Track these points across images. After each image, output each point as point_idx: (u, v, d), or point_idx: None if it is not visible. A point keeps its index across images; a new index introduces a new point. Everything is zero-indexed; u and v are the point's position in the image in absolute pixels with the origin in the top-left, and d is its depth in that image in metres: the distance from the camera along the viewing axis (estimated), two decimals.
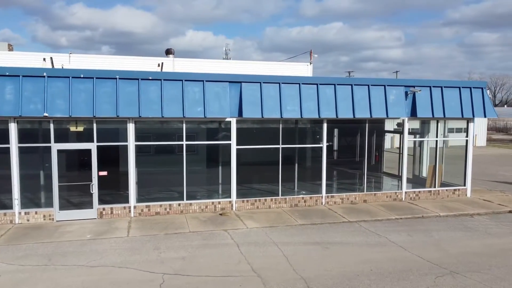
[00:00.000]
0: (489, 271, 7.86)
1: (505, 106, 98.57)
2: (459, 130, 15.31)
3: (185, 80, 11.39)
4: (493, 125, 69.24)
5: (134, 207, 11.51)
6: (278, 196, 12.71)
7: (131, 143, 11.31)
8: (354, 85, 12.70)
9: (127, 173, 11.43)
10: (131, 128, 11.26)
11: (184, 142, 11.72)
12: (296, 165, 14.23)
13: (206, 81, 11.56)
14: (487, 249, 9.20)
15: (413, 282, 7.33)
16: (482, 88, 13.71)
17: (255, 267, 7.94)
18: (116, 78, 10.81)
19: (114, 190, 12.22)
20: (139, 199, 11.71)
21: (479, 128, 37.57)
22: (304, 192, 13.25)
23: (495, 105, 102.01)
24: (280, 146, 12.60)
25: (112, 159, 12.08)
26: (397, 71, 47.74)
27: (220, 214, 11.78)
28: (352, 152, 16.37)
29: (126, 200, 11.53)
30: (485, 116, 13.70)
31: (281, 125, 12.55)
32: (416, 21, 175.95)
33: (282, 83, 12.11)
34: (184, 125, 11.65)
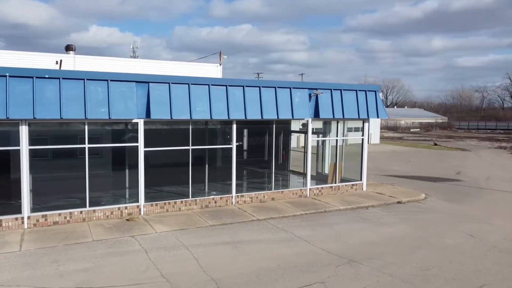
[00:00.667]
0: (381, 257, 8.73)
1: (395, 107, 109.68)
2: (356, 130, 16.66)
3: (88, 79, 10.70)
4: (386, 124, 76.61)
5: (28, 217, 10.49)
6: (189, 198, 12.61)
7: (24, 147, 10.29)
8: (262, 87, 13.12)
9: (19, 180, 10.38)
10: (24, 130, 10.24)
11: (87, 145, 11.01)
12: (207, 166, 14.26)
13: (111, 80, 10.99)
14: (380, 237, 10.21)
15: (316, 273, 7.84)
16: (375, 92, 15.13)
17: (164, 273, 7.80)
18: (6, 76, 9.75)
19: (4, 200, 11.03)
20: (34, 209, 10.71)
21: (374, 127, 41.31)
22: (214, 193, 13.33)
23: (387, 106, 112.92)
24: (190, 147, 12.51)
25: (1, 165, 10.88)
26: (302, 74, 50.38)
27: (127, 220, 11.31)
28: (261, 152, 16.91)
29: (18, 210, 10.45)
30: (378, 117, 15.15)
31: (190, 126, 12.47)
32: (319, 27, 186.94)
33: (192, 84, 12.04)
34: (86, 127, 10.94)
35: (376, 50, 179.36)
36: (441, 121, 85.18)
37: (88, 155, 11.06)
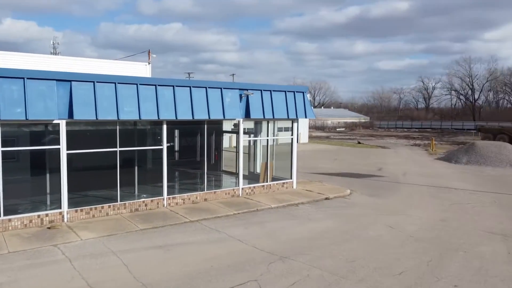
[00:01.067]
0: (311, 252, 9.09)
1: (322, 107, 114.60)
2: (286, 129, 17.13)
3: (0, 77, 9.80)
4: (314, 124, 79.70)
5: None
6: (117, 202, 12.09)
7: None
8: (193, 87, 12.98)
9: None
10: None
11: (0, 148, 10.07)
12: (136, 168, 13.77)
13: (28, 78, 10.16)
14: (309, 233, 10.62)
15: (249, 272, 7.94)
16: (303, 93, 15.69)
17: (91, 282, 7.40)
18: None
19: None
20: None
21: (303, 127, 42.79)
22: (145, 196, 12.92)
23: (315, 107, 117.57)
24: (118, 149, 11.99)
25: None
26: (233, 74, 50.77)
27: (49, 228, 10.55)
28: (193, 152, 16.72)
29: None
30: (306, 117, 15.73)
31: (118, 127, 11.95)
32: (250, 28, 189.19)
33: (119, 83, 11.54)
34: None
35: (304, 52, 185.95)
36: (364, 120, 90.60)
37: (2, 159, 10.13)
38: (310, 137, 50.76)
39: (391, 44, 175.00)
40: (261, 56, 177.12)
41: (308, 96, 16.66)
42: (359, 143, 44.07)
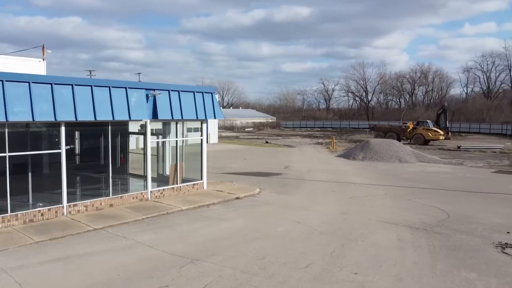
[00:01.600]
0: (223, 252, 9.14)
1: (231, 108, 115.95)
2: (196, 130, 16.97)
3: None
4: (223, 124, 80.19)
5: None
6: (7, 213, 10.84)
7: None
8: (95, 86, 12.18)
9: None
10: None
11: None
12: (30, 174, 12.50)
13: None
14: (220, 233, 10.68)
15: (160, 278, 7.72)
16: (212, 93, 15.70)
17: None
18: None
19: None
20: None
21: (212, 127, 42.84)
22: (41, 204, 11.78)
23: (224, 107, 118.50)
24: (7, 154, 10.75)
25: None
26: (139, 73, 48.72)
27: None
28: (96, 155, 15.67)
29: None
30: (215, 118, 15.77)
31: (7, 129, 10.72)
32: (155, 26, 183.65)
33: (7, 80, 10.35)
34: None
35: (212, 53, 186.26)
36: (271, 120, 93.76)
37: None
38: (220, 137, 51.02)
39: (294, 48, 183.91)
40: (168, 55, 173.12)
41: (217, 96, 16.73)
42: (267, 142, 45.51)
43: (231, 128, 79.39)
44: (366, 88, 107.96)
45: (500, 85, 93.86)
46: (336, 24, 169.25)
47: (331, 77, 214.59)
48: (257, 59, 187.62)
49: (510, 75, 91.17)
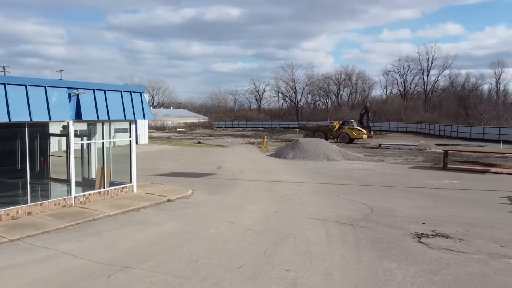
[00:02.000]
0: (154, 258, 8.85)
1: (162, 107, 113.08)
2: (125, 131, 16.27)
3: None
4: (154, 124, 77.98)
5: None
6: None
7: None
8: (8, 84, 11.13)
9: None
10: None
11: None
12: None
13: None
14: (151, 238, 10.33)
15: None
16: (140, 93, 15.14)
17: None
18: None
19: None
20: None
21: (142, 127, 41.43)
22: None
23: (154, 107, 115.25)
24: None
25: None
26: (61, 70, 45.47)
27: None
28: (11, 160, 14.34)
29: None
30: (144, 118, 15.23)
31: None
32: (79, 21, 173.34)
33: None
34: None
35: (140, 50, 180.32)
36: (203, 120, 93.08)
37: None
38: (151, 138, 49.51)
39: (225, 48, 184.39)
40: (94, 52, 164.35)
41: (146, 96, 16.18)
42: (199, 142, 45.06)
43: (162, 128, 77.44)
44: (295, 89, 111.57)
45: (415, 87, 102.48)
46: (266, 26, 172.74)
47: (261, 77, 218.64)
48: (188, 58, 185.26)
49: (423, 78, 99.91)
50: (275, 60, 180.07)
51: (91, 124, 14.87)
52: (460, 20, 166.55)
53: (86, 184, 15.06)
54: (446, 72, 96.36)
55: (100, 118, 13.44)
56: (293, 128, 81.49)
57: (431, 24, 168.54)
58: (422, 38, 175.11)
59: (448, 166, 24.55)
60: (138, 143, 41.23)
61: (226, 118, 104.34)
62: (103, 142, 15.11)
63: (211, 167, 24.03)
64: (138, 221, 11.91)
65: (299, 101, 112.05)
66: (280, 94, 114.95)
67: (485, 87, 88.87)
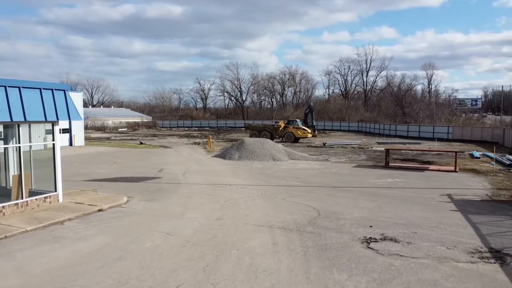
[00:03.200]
0: (75, 282, 7.59)
1: (102, 106, 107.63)
2: (49, 132, 14.50)
3: None
4: (93, 124, 73.91)
5: None
6: None
7: None
8: None
9: None
10: None
11: None
12: None
13: None
14: (74, 257, 8.97)
15: None
16: (64, 91, 13.46)
17: None
18: None
19: None
20: None
21: (78, 128, 38.60)
22: None
23: (93, 106, 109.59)
24: None
25: None
26: None
27: None
28: None
29: None
30: (69, 119, 13.60)
31: None
32: (7, 14, 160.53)
33: None
34: None
35: (78, 47, 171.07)
36: (146, 120, 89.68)
37: None
38: (89, 139, 46.50)
39: (168, 46, 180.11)
40: (25, 48, 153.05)
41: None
42: (141, 143, 42.91)
43: (102, 128, 73.52)
44: (240, 88, 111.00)
45: (355, 87, 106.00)
46: (210, 25, 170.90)
47: (206, 76, 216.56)
48: (130, 56, 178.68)
49: (363, 79, 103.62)
50: (220, 59, 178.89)
51: (8, 126, 12.94)
52: (394, 25, 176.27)
53: (3, 194, 13.17)
54: (384, 73, 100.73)
55: (14, 119, 11.69)
56: (239, 127, 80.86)
57: (367, 28, 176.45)
58: (360, 40, 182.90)
59: (390, 164, 25.01)
60: (73, 145, 38.36)
61: (170, 118, 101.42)
62: (19, 147, 13.24)
63: (152, 170, 22.55)
64: (60, 236, 10.42)
65: (245, 100, 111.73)
66: (225, 93, 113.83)
67: (419, 87, 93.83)
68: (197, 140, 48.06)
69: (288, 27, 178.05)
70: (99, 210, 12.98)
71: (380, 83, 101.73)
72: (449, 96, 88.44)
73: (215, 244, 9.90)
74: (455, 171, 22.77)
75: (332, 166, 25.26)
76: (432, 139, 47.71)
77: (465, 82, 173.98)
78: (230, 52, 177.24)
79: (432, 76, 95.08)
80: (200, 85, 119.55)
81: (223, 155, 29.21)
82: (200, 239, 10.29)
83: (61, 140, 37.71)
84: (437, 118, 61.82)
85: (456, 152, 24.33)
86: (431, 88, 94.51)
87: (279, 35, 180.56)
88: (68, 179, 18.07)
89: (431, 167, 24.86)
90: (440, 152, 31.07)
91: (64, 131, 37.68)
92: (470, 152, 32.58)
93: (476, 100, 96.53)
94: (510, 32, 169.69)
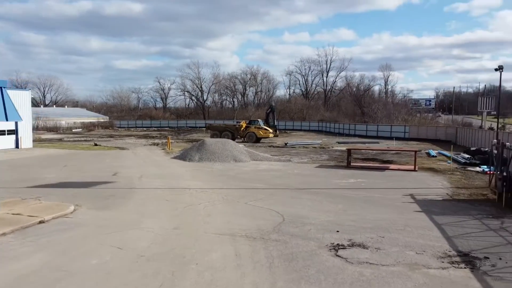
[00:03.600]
0: None
1: (55, 106, 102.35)
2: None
3: None
4: (44, 125, 69.87)
5: None
6: None
7: None
8: None
9: None
10: None
11: None
12: None
13: None
14: (5, 280, 7.74)
15: None
16: (1, 88, 12.02)
17: None
18: None
19: None
20: None
21: (24, 129, 35.93)
22: None
23: (46, 105, 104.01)
24: None
25: None
26: None
27: None
28: None
29: None
30: (7, 120, 12.11)
31: None
32: None
33: None
34: None
35: (30, 44, 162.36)
36: (103, 120, 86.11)
37: None
38: (38, 140, 43.66)
39: (127, 44, 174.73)
40: None
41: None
42: (96, 145, 40.73)
43: (55, 129, 69.64)
44: (201, 87, 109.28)
45: (316, 87, 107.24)
46: (171, 23, 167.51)
47: (167, 75, 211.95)
48: (86, 54, 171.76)
49: (323, 79, 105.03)
50: (181, 59, 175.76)
51: None
52: (352, 27, 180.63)
53: None
54: (343, 73, 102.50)
55: None
56: (200, 127, 79.30)
57: (327, 29, 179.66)
58: (320, 41, 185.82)
59: (352, 164, 24.92)
60: (19, 147, 35.64)
61: (129, 118, 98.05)
62: None
63: (105, 174, 21.08)
64: None
65: (206, 100, 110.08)
66: (186, 93, 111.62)
67: (376, 88, 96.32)
68: (156, 141, 46.37)
69: (250, 27, 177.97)
70: (40, 222, 11.58)
71: (340, 83, 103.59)
72: (404, 96, 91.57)
73: (172, 257, 8.96)
74: (414, 170, 22.98)
75: (294, 166, 24.82)
76: (390, 138, 48.74)
77: (418, 83, 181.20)
78: (192, 51, 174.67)
79: (388, 77, 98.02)
80: (160, 84, 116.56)
81: (182, 156, 28.06)
82: (155, 252, 9.30)
83: (6, 142, 35.08)
84: (394, 118, 63.44)
85: (415, 152, 24.60)
86: (388, 89, 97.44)
87: (240, 35, 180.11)
88: (7, 186, 16.39)
89: (392, 166, 25.02)
90: (399, 151, 31.51)
91: (9, 132, 34.98)
92: (427, 151, 33.32)
93: (430, 100, 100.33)
94: (459, 36, 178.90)
